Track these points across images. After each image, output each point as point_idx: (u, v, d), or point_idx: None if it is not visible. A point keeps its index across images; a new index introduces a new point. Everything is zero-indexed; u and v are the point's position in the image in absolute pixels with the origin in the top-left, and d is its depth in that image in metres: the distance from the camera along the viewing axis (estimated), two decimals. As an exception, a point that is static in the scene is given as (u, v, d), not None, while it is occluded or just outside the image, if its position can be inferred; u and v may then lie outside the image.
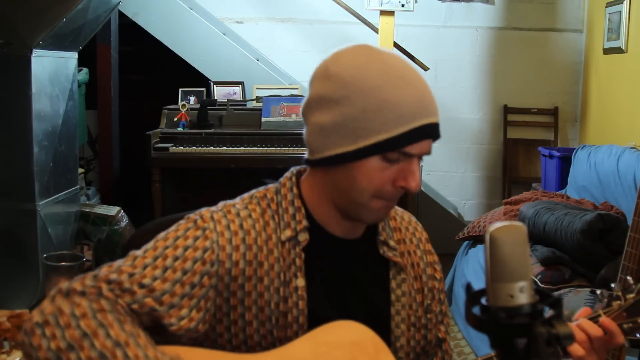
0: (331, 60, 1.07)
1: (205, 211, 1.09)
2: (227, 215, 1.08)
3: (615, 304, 1.08)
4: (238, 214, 1.09)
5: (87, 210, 4.00)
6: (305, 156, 1.10)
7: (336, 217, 1.11)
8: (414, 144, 1.01)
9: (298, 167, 1.17)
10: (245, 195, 1.14)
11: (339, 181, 1.06)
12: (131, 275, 0.99)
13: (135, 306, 0.98)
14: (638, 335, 1.06)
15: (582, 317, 1.08)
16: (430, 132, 1.02)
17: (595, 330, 1.04)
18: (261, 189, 1.15)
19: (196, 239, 1.04)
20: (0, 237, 3.31)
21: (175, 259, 1.02)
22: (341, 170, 1.04)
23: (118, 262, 1.02)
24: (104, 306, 0.96)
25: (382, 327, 1.13)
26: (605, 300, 1.09)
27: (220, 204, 1.12)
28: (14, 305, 2.99)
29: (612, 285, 1.10)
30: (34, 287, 3.33)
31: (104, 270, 1.01)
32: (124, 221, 4.07)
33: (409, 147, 1.01)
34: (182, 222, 1.08)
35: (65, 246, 3.57)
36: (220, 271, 1.04)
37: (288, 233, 1.09)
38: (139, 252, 1.04)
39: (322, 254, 1.11)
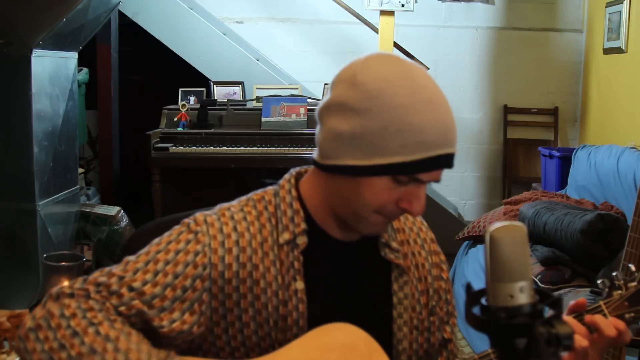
0: (361, 66, 1.02)
1: (199, 215, 1.09)
2: (221, 218, 1.08)
3: (616, 293, 1.06)
4: (232, 217, 1.09)
5: (87, 210, 4.00)
6: (314, 157, 1.09)
7: (335, 220, 1.10)
8: (427, 172, 1.00)
9: (297, 169, 1.16)
10: (243, 197, 1.14)
11: (344, 191, 1.04)
12: (121, 278, 1.00)
13: (122, 308, 0.99)
14: None
15: (577, 307, 1.07)
16: (446, 162, 1.01)
17: (608, 329, 1.02)
18: (259, 191, 1.14)
19: (188, 242, 1.04)
20: (0, 237, 3.31)
21: (167, 262, 1.02)
22: (348, 180, 1.03)
23: (111, 267, 1.03)
24: (92, 306, 0.97)
25: (384, 330, 1.13)
26: (607, 290, 1.08)
27: (217, 207, 1.12)
28: (14, 305, 2.99)
29: (614, 274, 1.08)
30: (34, 287, 3.33)
31: (94, 274, 1.02)
32: (124, 221, 4.07)
33: (422, 174, 1.00)
34: (176, 226, 1.08)
35: (65, 246, 3.57)
36: (212, 274, 1.04)
37: (286, 236, 1.08)
38: (131, 257, 1.04)
39: (322, 256, 1.10)
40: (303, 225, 1.09)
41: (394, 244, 1.15)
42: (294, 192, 1.11)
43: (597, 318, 1.04)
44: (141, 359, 0.94)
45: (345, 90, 1.02)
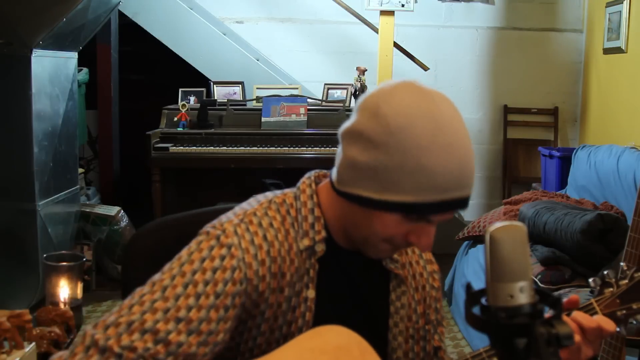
0: (385, 96, 1.01)
1: (226, 224, 1.05)
2: (250, 227, 1.05)
3: (608, 291, 1.07)
4: (260, 224, 1.06)
5: (87, 210, 4.01)
6: (333, 178, 1.08)
7: (345, 234, 1.11)
8: (438, 214, 1.01)
9: (316, 172, 1.15)
10: (263, 199, 1.11)
11: (356, 217, 1.05)
12: (166, 311, 0.97)
13: (170, 359, 0.96)
14: (634, 322, 1.05)
15: (569, 304, 1.07)
16: (458, 205, 1.01)
17: (588, 322, 1.03)
18: (279, 193, 1.13)
19: (222, 258, 1.01)
20: (0, 237, 3.32)
21: (206, 283, 0.99)
22: (361, 209, 1.03)
23: (147, 295, 0.99)
24: None
25: (380, 339, 1.13)
26: (598, 288, 1.08)
27: (240, 212, 1.08)
28: (14, 305, 2.99)
29: (605, 272, 1.08)
30: (34, 287, 3.33)
31: (136, 312, 0.97)
32: (124, 221, 4.08)
33: (432, 216, 1.01)
34: (201, 238, 1.04)
35: (65, 246, 3.58)
36: (248, 289, 1.02)
37: (306, 242, 1.07)
38: (166, 280, 1.00)
39: (332, 265, 1.10)
40: (323, 233, 1.08)
41: (394, 254, 1.16)
42: (315, 198, 1.11)
43: (577, 315, 1.04)
44: None
45: (367, 120, 1.01)
